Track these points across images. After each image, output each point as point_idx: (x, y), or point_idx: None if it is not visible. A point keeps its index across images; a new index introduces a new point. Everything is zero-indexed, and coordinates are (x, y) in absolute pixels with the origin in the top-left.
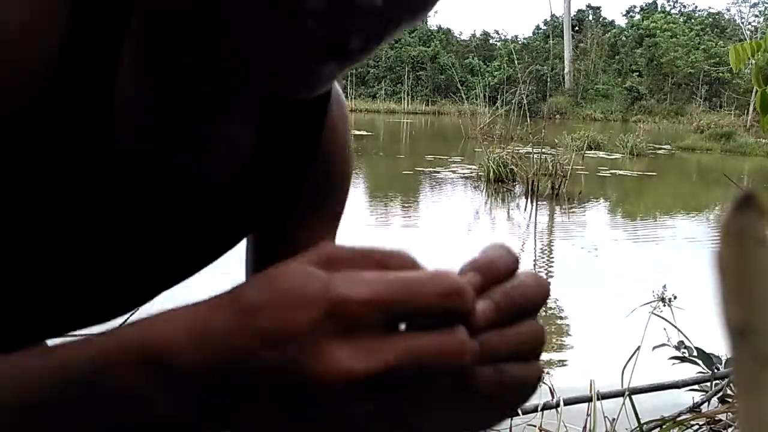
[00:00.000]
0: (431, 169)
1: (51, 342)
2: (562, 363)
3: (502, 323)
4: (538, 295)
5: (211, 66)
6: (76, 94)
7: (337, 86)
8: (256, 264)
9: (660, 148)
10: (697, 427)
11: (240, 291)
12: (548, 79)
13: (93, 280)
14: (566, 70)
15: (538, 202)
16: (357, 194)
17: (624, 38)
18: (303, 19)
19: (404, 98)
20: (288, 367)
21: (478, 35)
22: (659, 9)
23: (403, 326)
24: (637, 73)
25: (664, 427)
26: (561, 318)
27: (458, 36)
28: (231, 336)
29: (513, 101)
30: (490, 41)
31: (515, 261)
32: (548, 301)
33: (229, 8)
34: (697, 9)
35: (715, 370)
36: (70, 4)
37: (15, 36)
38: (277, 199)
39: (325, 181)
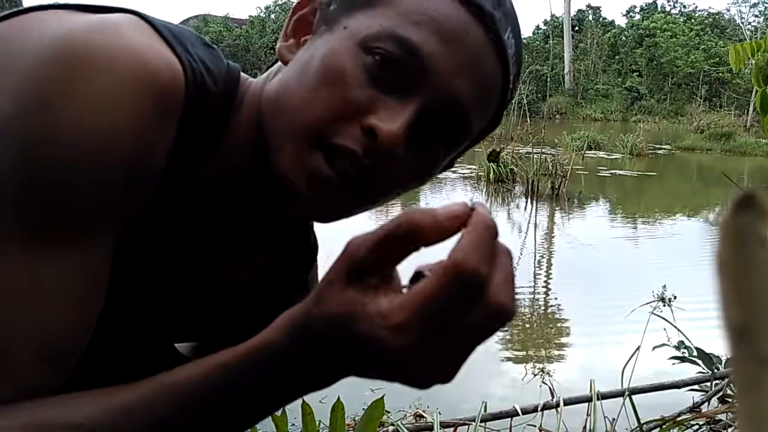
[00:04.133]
0: None
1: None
2: (562, 363)
3: None
4: None
5: (261, 193)
6: (168, 197)
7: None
8: None
9: (660, 148)
10: (697, 427)
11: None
12: (548, 79)
13: (142, 328)
14: (566, 70)
15: (538, 202)
16: None
17: (624, 38)
18: (337, 157)
19: None
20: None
21: None
22: (659, 9)
23: None
24: (637, 73)
25: (664, 427)
26: (561, 318)
27: None
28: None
29: (513, 101)
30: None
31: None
32: (548, 300)
33: (279, 149)
34: (697, 9)
35: (715, 370)
36: (176, 130)
37: (150, 149)
38: (271, 311)
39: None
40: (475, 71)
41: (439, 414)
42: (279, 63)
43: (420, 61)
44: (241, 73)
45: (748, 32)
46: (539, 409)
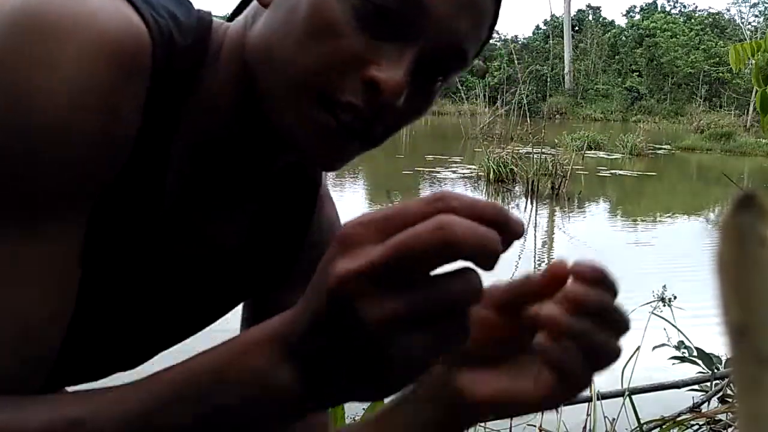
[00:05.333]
0: (431, 169)
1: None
2: None
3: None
4: None
5: (250, 145)
6: (145, 163)
7: (326, 186)
8: (248, 323)
9: (660, 148)
10: (697, 427)
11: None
12: (548, 79)
13: (123, 328)
14: (566, 70)
15: (538, 202)
16: (356, 193)
17: (624, 38)
18: (340, 111)
19: None
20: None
21: None
22: (659, 9)
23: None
24: (637, 73)
25: (664, 427)
26: None
27: None
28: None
29: (513, 101)
30: (490, 41)
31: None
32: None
33: (279, 104)
34: (697, 9)
35: (715, 370)
36: (145, 92)
37: (116, 116)
38: (271, 271)
39: (314, 265)
40: (473, 8)
41: None
42: (254, 3)
43: (418, 6)
44: (214, 19)
45: (748, 32)
46: None
